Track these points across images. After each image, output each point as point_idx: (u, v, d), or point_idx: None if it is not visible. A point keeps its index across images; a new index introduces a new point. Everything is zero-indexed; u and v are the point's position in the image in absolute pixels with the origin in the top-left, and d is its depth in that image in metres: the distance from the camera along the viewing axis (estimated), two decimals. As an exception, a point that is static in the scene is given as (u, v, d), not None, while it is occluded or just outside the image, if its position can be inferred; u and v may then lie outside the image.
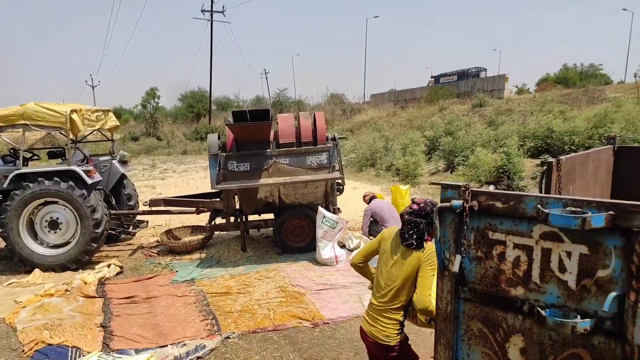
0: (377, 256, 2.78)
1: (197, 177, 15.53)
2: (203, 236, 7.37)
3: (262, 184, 6.19)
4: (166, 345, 4.15)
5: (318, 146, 6.43)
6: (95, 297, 5.31)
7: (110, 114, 7.65)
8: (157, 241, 7.65)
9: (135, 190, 8.33)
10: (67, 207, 6.25)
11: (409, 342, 2.72)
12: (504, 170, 10.42)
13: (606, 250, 1.42)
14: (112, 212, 7.20)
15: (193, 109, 39.64)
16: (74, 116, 6.18)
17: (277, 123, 6.58)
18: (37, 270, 6.17)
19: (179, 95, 44.35)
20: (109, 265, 6.25)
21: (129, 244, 7.79)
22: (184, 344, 4.16)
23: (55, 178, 6.09)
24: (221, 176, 6.21)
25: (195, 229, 7.93)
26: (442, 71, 39.20)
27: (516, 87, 40.75)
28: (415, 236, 2.49)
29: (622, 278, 1.39)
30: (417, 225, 2.50)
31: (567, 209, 1.48)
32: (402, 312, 2.58)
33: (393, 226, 2.82)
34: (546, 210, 1.47)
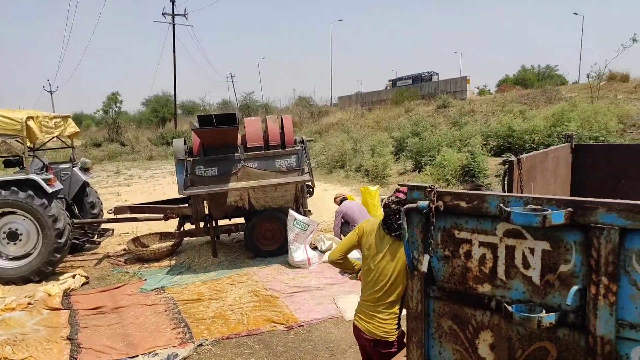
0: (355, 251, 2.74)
1: (164, 183, 15.21)
2: (172, 243, 7.23)
3: (231, 188, 6.14)
4: (137, 356, 4.06)
5: (287, 149, 6.43)
6: (60, 309, 5.14)
7: (70, 120, 7.44)
8: (124, 249, 7.45)
9: (98, 198, 8.14)
10: (27, 217, 6.03)
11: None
12: (468, 170, 10.70)
13: (567, 245, 1.48)
14: (76, 221, 7.02)
15: (158, 114, 38.92)
16: (31, 123, 5.99)
17: (245, 127, 6.54)
18: (-4, 284, 5.90)
19: (142, 100, 43.48)
20: (74, 276, 6.05)
21: (95, 254, 7.56)
22: (155, 354, 4.08)
23: (13, 188, 5.87)
24: (189, 181, 6.12)
25: (163, 236, 7.78)
26: (407, 73, 40.31)
27: (478, 88, 41.89)
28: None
29: (582, 272, 1.46)
30: None
31: (528, 207, 1.53)
32: (399, 305, 2.54)
33: (370, 219, 2.78)
34: (508, 209, 1.52)
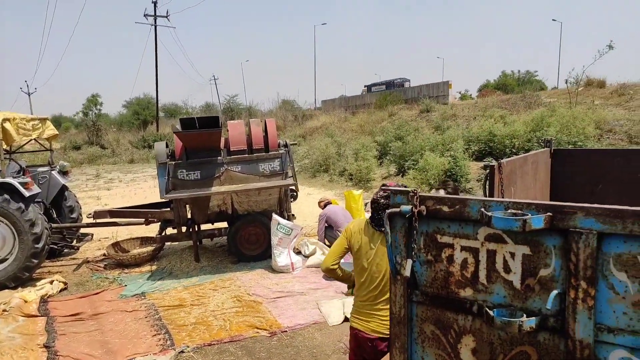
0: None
1: (145, 187, 15.01)
2: (153, 247, 7.12)
3: (214, 192, 6.08)
4: (115, 364, 3.97)
5: (270, 153, 6.40)
6: (37, 316, 5.00)
7: (48, 122, 7.31)
8: (104, 254, 7.31)
9: (77, 202, 7.98)
10: (3, 221, 5.86)
11: None
12: (451, 174, 10.82)
13: (547, 250, 1.50)
14: (54, 225, 6.87)
15: (139, 116, 38.41)
16: (7, 125, 5.90)
17: (228, 130, 6.49)
18: (-31, 292, 5.73)
19: (123, 102, 42.97)
20: (51, 282, 5.91)
21: (73, 259, 7.40)
22: (135, 362, 4.00)
23: (-12, 191, 5.71)
24: (171, 185, 6.04)
25: (144, 241, 7.65)
26: (390, 78, 40.90)
27: (460, 93, 42.53)
28: None
29: (562, 276, 1.47)
30: None
31: (509, 211, 1.54)
32: None
33: (356, 219, 2.77)
34: (489, 213, 1.53)
